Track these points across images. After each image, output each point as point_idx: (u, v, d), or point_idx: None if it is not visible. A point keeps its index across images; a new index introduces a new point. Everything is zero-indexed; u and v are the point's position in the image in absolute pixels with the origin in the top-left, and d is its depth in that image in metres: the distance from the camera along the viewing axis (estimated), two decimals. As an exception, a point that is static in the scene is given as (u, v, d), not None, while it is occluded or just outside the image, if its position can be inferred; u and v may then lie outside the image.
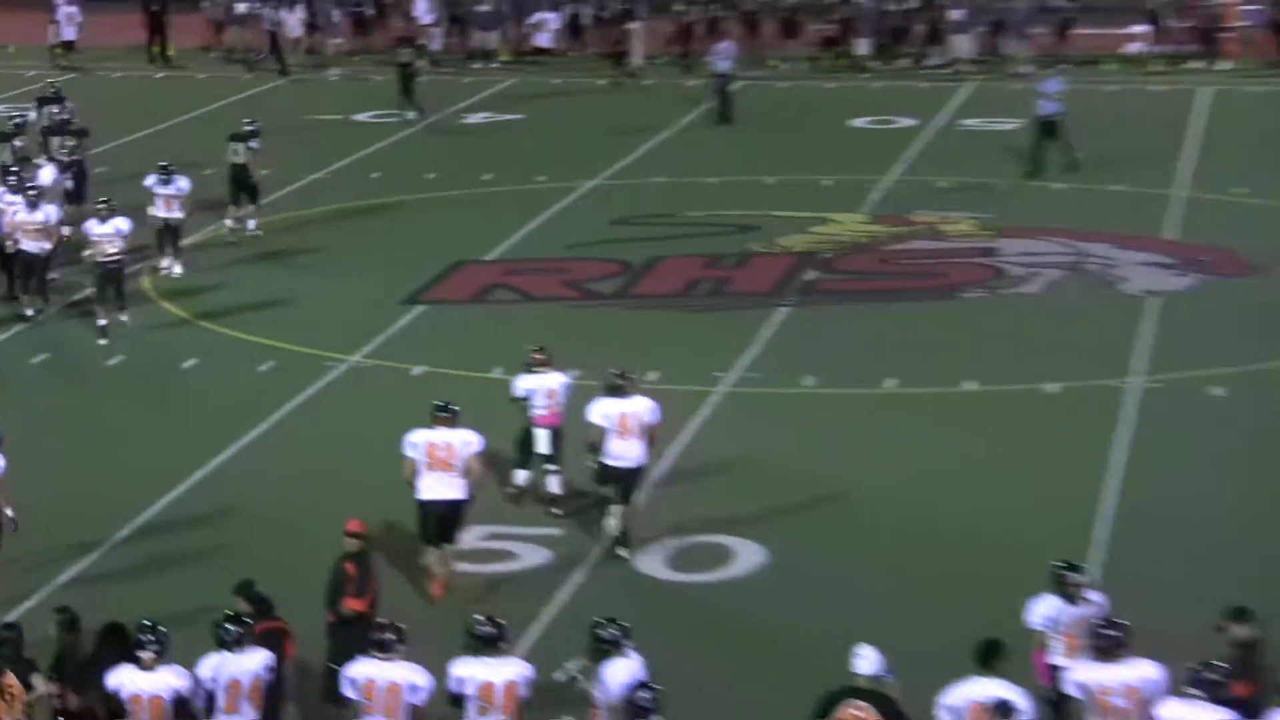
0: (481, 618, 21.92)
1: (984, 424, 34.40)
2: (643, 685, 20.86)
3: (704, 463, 32.72)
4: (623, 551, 29.47)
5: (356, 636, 23.03)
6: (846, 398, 35.67)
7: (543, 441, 30.63)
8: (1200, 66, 65.41)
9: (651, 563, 29.19)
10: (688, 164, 52.78)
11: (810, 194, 49.35)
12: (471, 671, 21.44)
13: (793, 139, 55.92)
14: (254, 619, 22.30)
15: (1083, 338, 38.47)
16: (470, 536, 29.50)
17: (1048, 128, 50.73)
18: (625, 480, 29.33)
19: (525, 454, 30.80)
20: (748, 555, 29.39)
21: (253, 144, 45.95)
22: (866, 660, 21.27)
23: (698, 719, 24.27)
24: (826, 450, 33.13)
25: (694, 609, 27.96)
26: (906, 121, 57.41)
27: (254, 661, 21.78)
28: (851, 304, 41.33)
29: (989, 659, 21.22)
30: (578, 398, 30.30)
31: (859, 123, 58.03)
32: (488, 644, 21.60)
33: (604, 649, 21.58)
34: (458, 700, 21.47)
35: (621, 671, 21.35)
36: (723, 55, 59.07)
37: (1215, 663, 21.07)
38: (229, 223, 46.19)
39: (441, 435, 27.92)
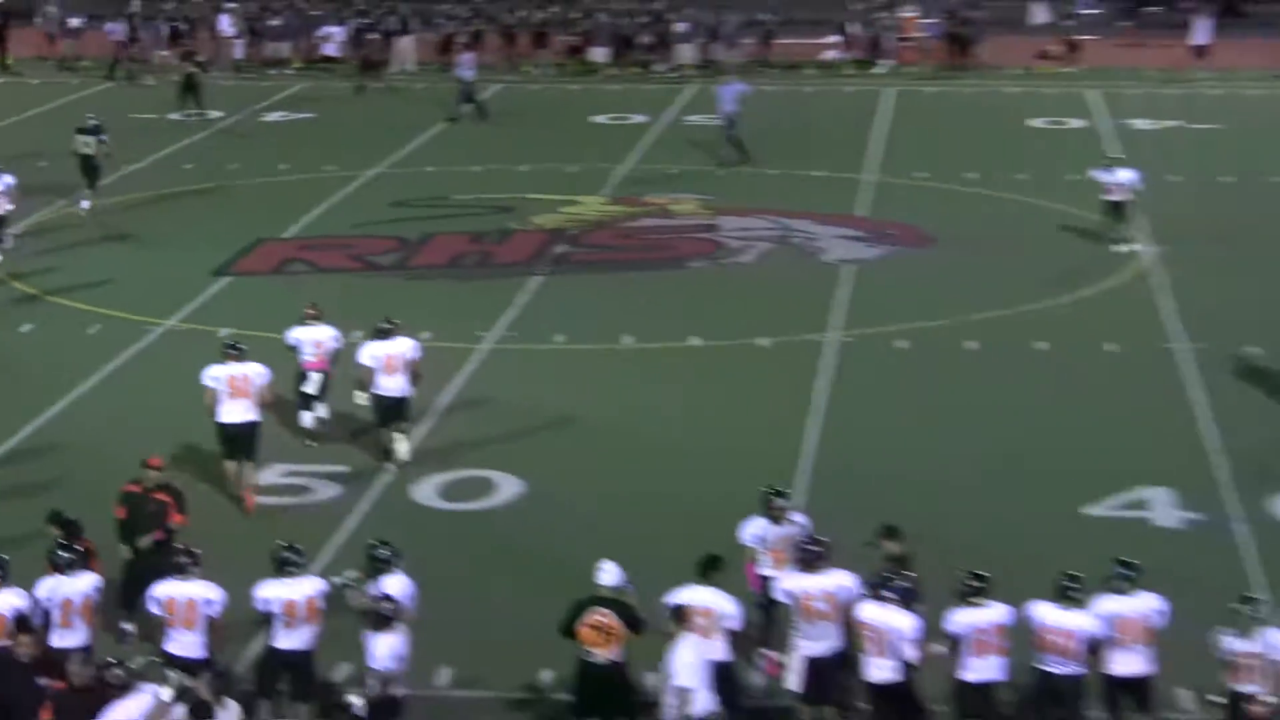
0: (283, 544, 21.92)
1: (706, 373, 34.60)
2: (385, 597, 20.93)
3: (470, 408, 32.74)
4: (401, 456, 30.02)
5: (158, 561, 23.03)
6: (591, 352, 35.75)
7: (309, 384, 30.90)
8: (883, 71, 66.02)
9: (426, 494, 29.21)
10: (454, 155, 52.69)
11: (559, 180, 49.38)
12: (276, 592, 21.44)
13: (543, 133, 55.92)
14: (64, 542, 22.16)
15: (789, 300, 38.72)
16: (270, 474, 29.47)
17: (730, 125, 50.99)
18: (394, 408, 29.91)
19: (304, 396, 31.01)
20: (508, 486, 29.45)
21: (103, 137, 45.55)
22: (608, 574, 21.42)
23: (467, 626, 24.40)
24: (575, 396, 33.20)
25: (463, 533, 27.97)
26: (639, 118, 57.54)
27: (85, 583, 21.69)
28: (595, 273, 41.39)
29: (708, 570, 21.47)
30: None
31: (599, 119, 58.08)
32: (288, 567, 21.60)
33: (378, 566, 21.64)
34: (266, 618, 21.47)
35: (393, 585, 21.41)
36: (466, 65, 58.94)
37: (904, 572, 21.39)
38: (84, 204, 45.62)
39: (238, 369, 28.50)
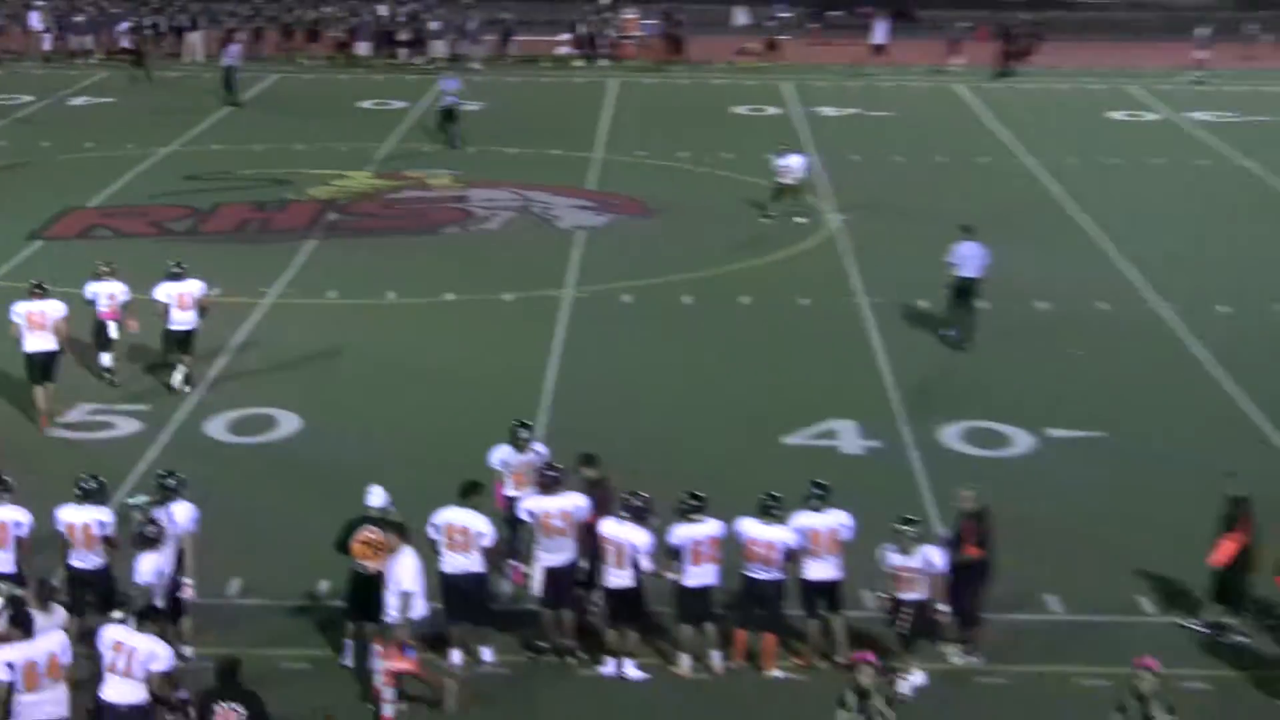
0: (86, 476, 21.44)
1: (460, 324, 34.42)
2: (151, 521, 20.58)
3: (254, 354, 32.32)
4: (185, 388, 29.96)
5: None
6: (360, 306, 35.39)
7: (105, 331, 30.49)
8: (607, 65, 65.96)
9: (217, 429, 28.81)
10: (239, 135, 51.83)
11: (330, 157, 48.79)
12: (68, 516, 21.08)
13: (317, 116, 55.13)
14: None
15: (530, 261, 38.59)
16: (77, 413, 28.95)
17: (448, 114, 50.58)
18: (184, 340, 30.13)
19: (100, 341, 30.61)
20: (288, 422, 29.14)
21: None
22: (376, 496, 21.37)
23: (255, 544, 24.13)
24: (346, 345, 32.87)
25: (250, 463, 27.65)
26: (399, 104, 56.93)
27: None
28: (362, 238, 40.96)
29: (467, 494, 21.38)
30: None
31: (365, 105, 57.40)
32: (81, 494, 21.13)
33: (167, 493, 21.26)
34: (63, 539, 21.05)
35: (180, 512, 21.06)
36: (231, 55, 57.98)
37: (639, 493, 21.36)
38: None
39: (38, 305, 28.62)
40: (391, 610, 20.23)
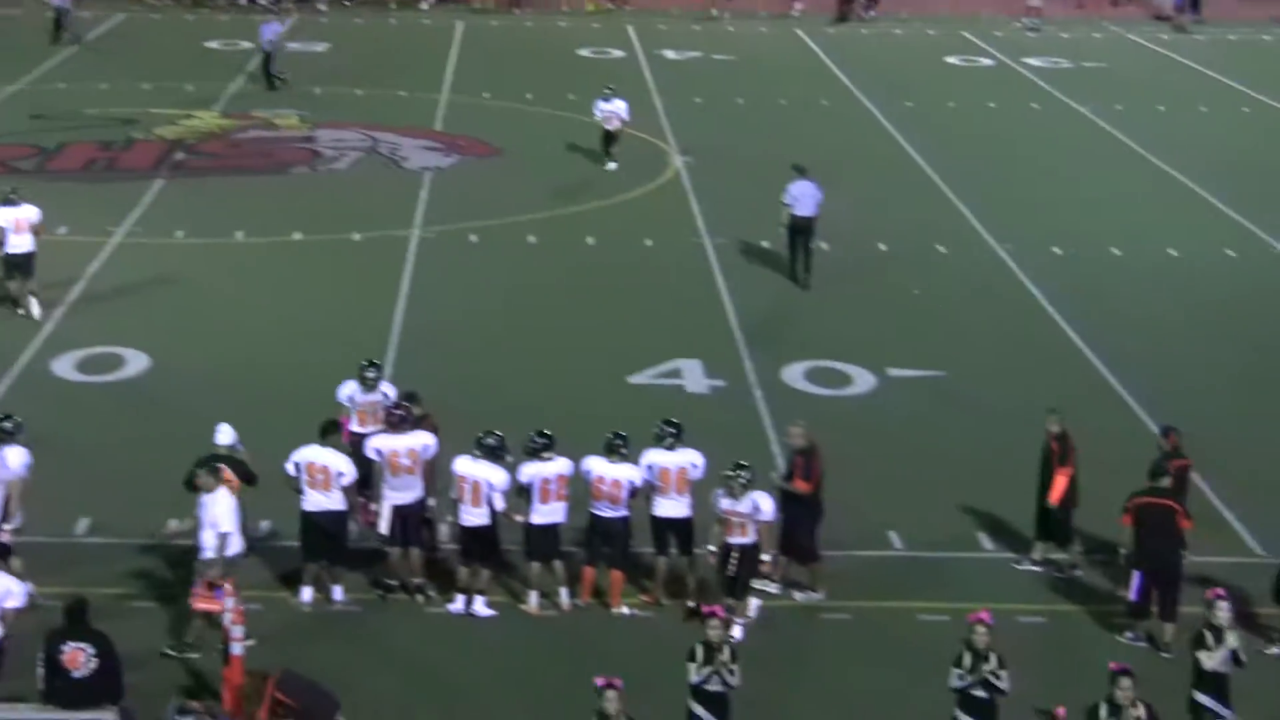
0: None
1: (309, 263, 34.02)
2: None
3: (102, 294, 31.79)
4: (35, 315, 29.78)
5: None
6: (208, 245, 34.88)
7: None
8: (453, 6, 65.32)
9: (64, 368, 28.31)
10: (85, 74, 50.84)
11: (177, 96, 47.97)
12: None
13: (163, 56, 54.19)
14: None
15: (378, 201, 38.22)
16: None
17: (268, 58, 49.74)
18: (22, 264, 30.01)
19: None
20: (136, 361, 28.67)
21: None
22: (224, 434, 21.24)
23: (103, 483, 23.76)
24: (194, 283, 32.44)
25: (98, 402, 27.22)
26: (246, 44, 55.93)
27: None
28: (209, 177, 40.37)
29: (326, 433, 21.21)
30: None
31: (212, 44, 56.45)
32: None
33: (2, 436, 20.80)
34: None
35: (13, 456, 20.71)
36: (61, -4, 56.56)
37: (493, 431, 21.15)
38: None
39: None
40: (207, 549, 19.94)
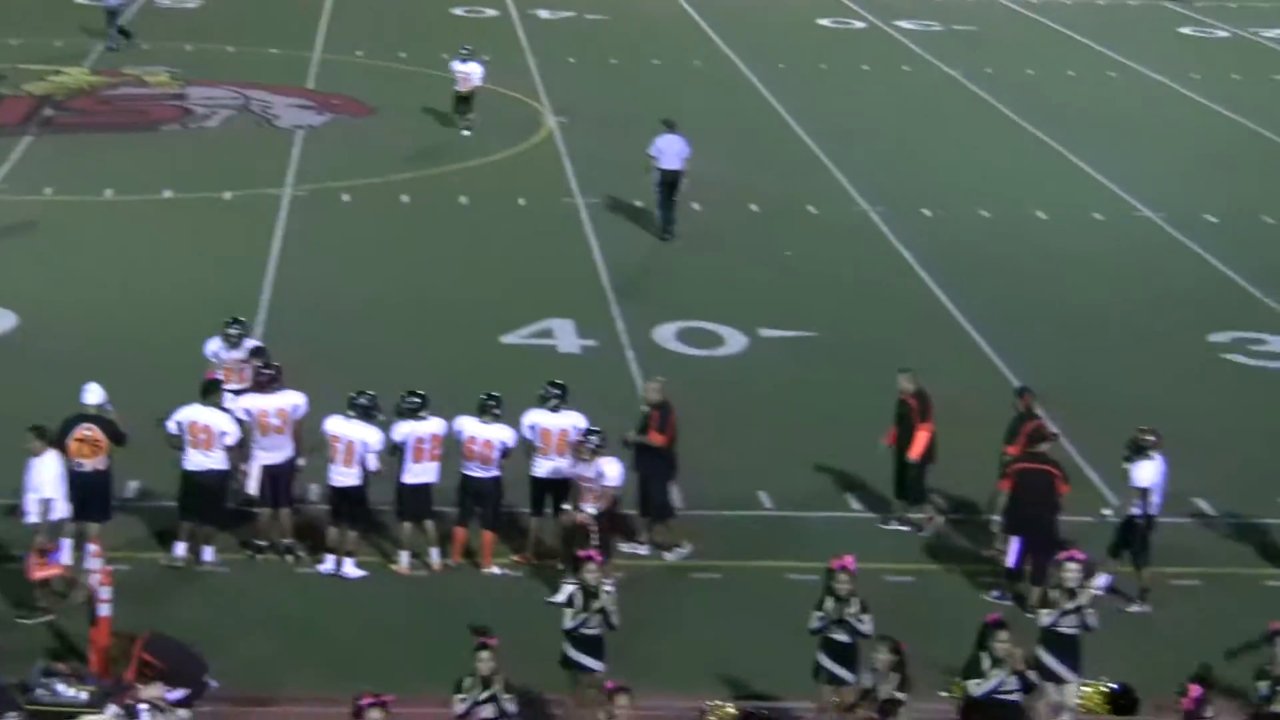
0: None
1: (178, 221, 33.69)
2: None
3: (-32, 252, 31.39)
4: None
5: None
6: (77, 203, 34.50)
7: None
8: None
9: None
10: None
11: (47, 52, 47.28)
12: None
13: (32, 10, 53.25)
14: None
15: (249, 159, 37.89)
16: None
17: (111, 14, 48.87)
18: None
19: None
20: (3, 319, 28.37)
21: None
22: (93, 394, 20.90)
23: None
24: (64, 241, 32.11)
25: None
26: (114, 1, 55.16)
27: None
28: (79, 134, 39.87)
29: (207, 393, 21.01)
30: None
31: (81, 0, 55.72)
32: None
33: None
34: None
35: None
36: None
37: (365, 391, 20.98)
38: None
39: None
40: (30, 514, 19.71)
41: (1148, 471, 20.79)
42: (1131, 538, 20.87)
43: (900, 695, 16.26)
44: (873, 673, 16.62)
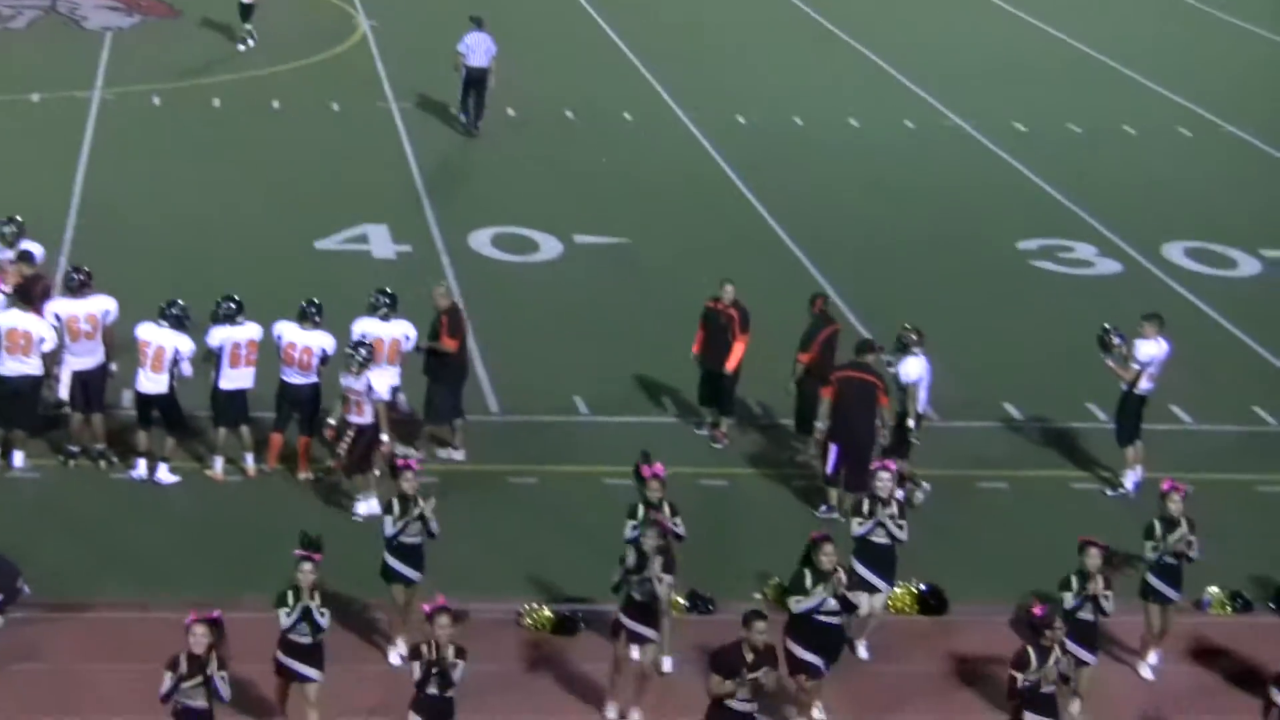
0: None
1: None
2: None
3: None
4: None
5: None
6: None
7: None
8: None
9: None
10: None
11: None
12: None
13: None
14: None
15: (57, 61, 37.12)
16: None
17: None
18: None
19: None
20: None
21: None
22: None
23: None
24: None
25: None
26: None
27: None
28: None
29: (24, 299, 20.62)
30: None
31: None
32: None
33: None
34: None
35: None
36: None
37: (176, 300, 20.66)
38: None
39: None
40: None
41: (914, 367, 20.98)
42: (903, 439, 21.03)
43: (667, 577, 16.51)
44: (639, 555, 16.62)
